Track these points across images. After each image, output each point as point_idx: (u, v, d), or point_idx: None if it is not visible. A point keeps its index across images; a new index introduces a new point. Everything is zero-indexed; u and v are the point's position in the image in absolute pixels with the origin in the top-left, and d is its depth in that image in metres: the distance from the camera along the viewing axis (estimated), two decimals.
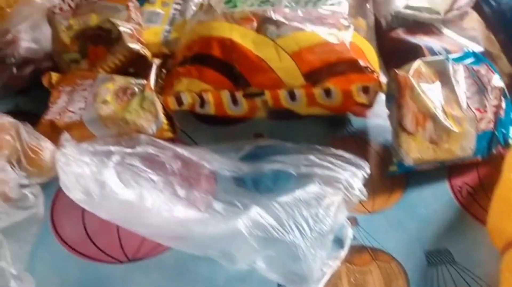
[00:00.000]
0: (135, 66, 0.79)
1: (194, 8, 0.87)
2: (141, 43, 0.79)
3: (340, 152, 0.61)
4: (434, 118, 0.62)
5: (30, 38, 0.78)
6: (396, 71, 0.65)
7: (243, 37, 0.71)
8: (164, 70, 0.76)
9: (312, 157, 0.61)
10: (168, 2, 0.89)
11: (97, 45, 0.77)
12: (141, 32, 0.80)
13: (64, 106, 0.71)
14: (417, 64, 0.66)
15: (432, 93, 0.64)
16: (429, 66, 0.66)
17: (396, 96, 0.64)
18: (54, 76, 0.76)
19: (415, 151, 0.62)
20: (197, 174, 0.66)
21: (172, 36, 0.82)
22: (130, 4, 0.80)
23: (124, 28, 0.77)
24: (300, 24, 0.70)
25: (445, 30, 0.80)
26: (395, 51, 0.78)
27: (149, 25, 0.84)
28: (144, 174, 0.63)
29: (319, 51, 0.67)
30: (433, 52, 0.74)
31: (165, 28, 0.84)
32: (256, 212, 0.51)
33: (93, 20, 0.78)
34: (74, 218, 0.63)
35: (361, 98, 0.67)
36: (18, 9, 0.79)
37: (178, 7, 0.88)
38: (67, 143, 0.63)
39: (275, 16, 0.72)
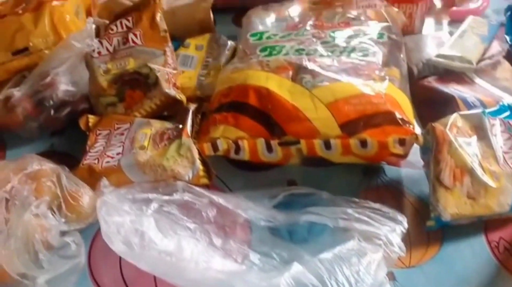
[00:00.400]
0: (170, 109, 0.80)
1: (227, 52, 0.89)
2: (177, 87, 0.80)
3: (378, 206, 0.62)
4: (471, 173, 0.63)
5: (68, 81, 0.80)
6: (433, 125, 0.65)
7: (279, 86, 0.72)
8: (198, 115, 0.77)
9: (349, 210, 0.61)
10: (202, 45, 0.91)
11: (134, 90, 0.78)
12: (176, 76, 0.81)
13: (102, 151, 0.72)
14: (454, 117, 0.66)
15: (469, 148, 0.64)
16: (465, 120, 0.67)
17: (433, 149, 0.64)
18: (91, 118, 0.78)
19: (453, 206, 0.62)
20: (233, 223, 0.66)
21: (207, 81, 0.84)
22: (167, 49, 0.82)
23: (161, 73, 0.78)
24: (335, 75, 0.71)
25: (478, 80, 0.81)
26: (428, 100, 0.79)
27: (183, 69, 0.86)
28: (181, 222, 0.63)
29: (355, 103, 0.68)
30: (466, 103, 0.74)
31: (199, 73, 0.85)
32: (298, 270, 0.51)
33: (131, 64, 0.80)
34: (111, 265, 0.64)
35: (397, 150, 0.67)
36: (56, 52, 0.80)
37: (212, 51, 0.89)
38: (106, 189, 0.64)
39: (310, 66, 0.73)
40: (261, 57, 0.77)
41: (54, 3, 0.85)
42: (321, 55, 0.75)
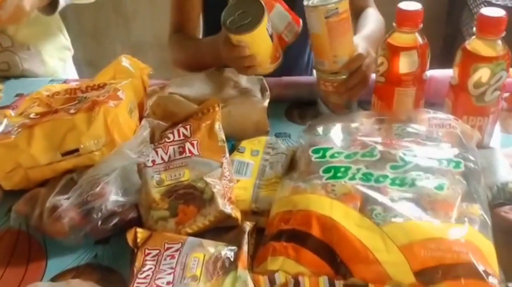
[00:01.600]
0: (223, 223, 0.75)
1: (284, 159, 0.84)
2: (232, 201, 0.75)
3: None
4: None
5: (118, 190, 0.76)
6: None
7: (345, 217, 0.66)
8: (254, 234, 0.72)
9: None
10: (258, 150, 0.86)
11: (188, 205, 0.74)
12: (232, 189, 0.77)
13: (151, 277, 0.67)
14: None
15: None
16: None
17: None
18: (140, 233, 0.73)
19: None
20: None
21: (263, 192, 0.79)
22: (224, 160, 0.77)
23: (217, 187, 0.74)
24: (408, 210, 0.65)
25: None
26: (506, 232, 0.72)
27: (238, 177, 0.81)
28: None
29: (432, 248, 0.61)
30: None
31: (255, 183, 0.80)
32: None
33: (186, 176, 0.76)
34: None
35: None
36: (109, 159, 0.77)
37: (268, 157, 0.85)
38: None
39: (381, 198, 0.67)
40: (324, 179, 0.71)
41: (110, 104, 0.82)
42: (392, 183, 0.69)
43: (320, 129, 0.84)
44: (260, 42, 0.90)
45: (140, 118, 0.93)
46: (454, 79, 0.86)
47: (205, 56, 1.06)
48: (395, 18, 0.85)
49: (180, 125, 0.80)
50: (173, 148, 0.77)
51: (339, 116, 0.92)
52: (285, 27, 0.96)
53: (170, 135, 0.79)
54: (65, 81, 1.19)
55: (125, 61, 0.96)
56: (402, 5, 0.84)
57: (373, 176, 0.71)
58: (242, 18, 0.87)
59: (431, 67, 0.91)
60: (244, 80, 0.99)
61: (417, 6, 0.84)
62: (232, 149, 0.89)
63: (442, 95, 1.01)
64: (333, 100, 0.95)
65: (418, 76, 0.87)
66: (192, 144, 0.77)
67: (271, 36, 0.90)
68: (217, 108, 0.82)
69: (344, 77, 0.91)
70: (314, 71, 0.99)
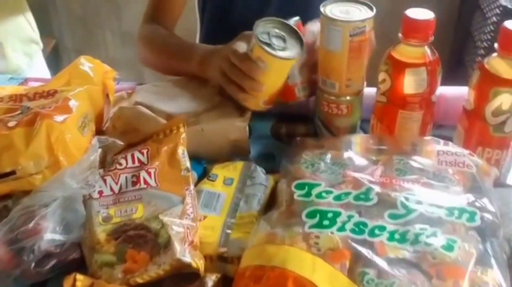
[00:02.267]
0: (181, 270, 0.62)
1: (263, 192, 0.70)
2: (194, 246, 0.62)
3: None
4: None
5: (57, 226, 0.62)
6: None
7: (330, 282, 0.53)
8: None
9: None
10: (233, 178, 0.73)
11: (139, 250, 0.60)
12: (196, 230, 0.63)
13: None
14: None
15: None
16: None
17: None
18: (80, 281, 0.59)
19: None
20: None
21: (234, 234, 0.65)
22: (187, 193, 0.64)
23: (176, 230, 0.60)
24: (410, 277, 0.52)
25: None
26: None
27: (206, 213, 0.67)
28: None
29: None
30: None
31: (225, 221, 0.67)
32: None
33: (139, 212, 0.62)
34: None
35: None
36: (47, 187, 0.63)
37: (243, 188, 0.71)
38: None
39: (375, 258, 0.53)
40: (307, 227, 0.58)
41: (55, 119, 0.68)
42: (390, 238, 0.56)
43: (307, 157, 0.71)
44: (277, 75, 0.77)
45: (99, 132, 0.80)
46: (469, 103, 0.73)
47: (180, 59, 0.92)
48: (400, 27, 0.71)
49: (136, 148, 0.66)
50: (126, 177, 0.64)
51: (331, 139, 0.79)
52: (301, 82, 0.83)
53: (123, 161, 0.65)
54: (25, 80, 1.05)
55: (85, 63, 0.82)
56: (410, 13, 0.70)
57: (367, 227, 0.57)
58: (276, 40, 0.75)
59: None
60: None
61: (428, 14, 0.70)
62: (203, 174, 0.76)
63: (452, 117, 0.87)
64: (337, 123, 0.81)
65: (426, 98, 0.73)
66: (149, 173, 0.63)
67: (287, 78, 0.79)
68: (181, 129, 0.68)
69: (350, 98, 0.78)
70: None
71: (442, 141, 0.70)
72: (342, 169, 0.67)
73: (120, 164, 0.65)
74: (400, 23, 0.71)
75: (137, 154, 0.65)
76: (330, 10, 0.74)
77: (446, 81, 0.74)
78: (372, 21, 0.73)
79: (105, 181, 0.64)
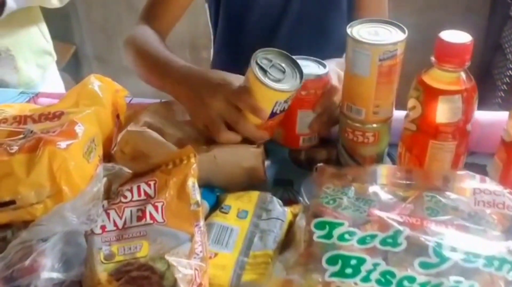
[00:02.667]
0: None
1: (280, 227, 0.65)
2: None
3: None
4: None
5: (56, 263, 0.57)
6: None
7: None
8: None
9: None
10: (247, 211, 0.67)
11: None
12: (205, 270, 0.58)
13: None
14: None
15: None
16: None
17: None
18: None
19: None
20: None
21: (246, 276, 0.60)
22: (196, 230, 0.58)
23: (183, 272, 0.55)
24: None
25: None
26: None
27: (217, 250, 0.62)
28: None
29: None
30: None
31: (238, 260, 0.61)
32: None
33: (144, 250, 0.57)
34: None
35: None
36: (46, 220, 0.59)
37: (259, 222, 0.66)
38: None
39: None
40: (327, 276, 0.52)
41: (58, 145, 0.63)
42: None
43: (328, 190, 0.65)
44: (262, 102, 0.71)
45: (107, 156, 0.75)
46: (508, 134, 0.66)
47: (155, 73, 0.86)
48: (433, 51, 0.65)
49: (142, 179, 0.61)
50: (131, 211, 0.59)
51: (355, 169, 0.73)
52: (310, 133, 0.80)
53: (128, 193, 0.60)
54: (36, 95, 1.02)
55: (95, 82, 0.78)
56: (446, 36, 0.64)
57: (395, 277, 0.51)
58: (275, 70, 0.71)
59: None
60: None
61: (465, 37, 0.64)
62: (215, 204, 0.71)
63: (486, 144, 0.81)
64: (362, 152, 0.75)
65: (460, 127, 0.67)
66: (156, 207, 0.58)
67: (272, 113, 0.72)
68: (192, 159, 0.63)
69: (377, 126, 0.72)
70: None
71: (478, 177, 0.63)
72: (367, 205, 0.61)
73: (125, 197, 0.60)
74: (426, 41, 0.65)
75: (143, 186, 0.60)
76: (357, 31, 0.68)
77: None
78: (404, 44, 0.67)
79: (108, 215, 0.59)
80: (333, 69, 0.78)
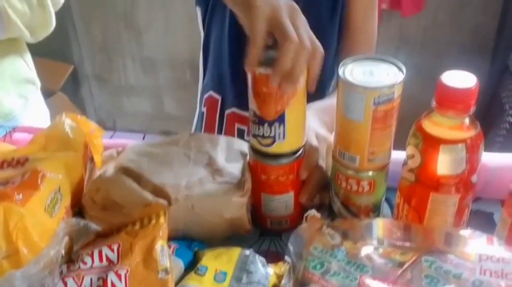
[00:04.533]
0: None
1: (263, 283, 0.58)
2: None
3: None
4: None
5: None
6: None
7: None
8: None
9: None
10: (225, 273, 0.60)
11: None
12: None
13: None
14: None
15: None
16: None
17: None
18: None
19: None
20: None
21: None
22: None
23: None
24: None
25: None
26: None
27: None
28: None
29: None
30: None
31: None
32: None
33: None
34: None
35: None
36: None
37: (238, 286, 0.59)
38: None
39: None
40: None
41: (16, 199, 0.57)
42: None
43: (315, 251, 0.58)
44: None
45: (77, 205, 0.69)
46: None
47: None
48: (434, 95, 0.58)
49: (105, 242, 0.54)
50: (91, 279, 0.52)
51: (348, 221, 0.66)
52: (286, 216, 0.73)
53: (88, 259, 0.53)
54: (14, 129, 0.95)
55: (66, 122, 0.71)
56: (447, 79, 0.57)
57: None
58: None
59: None
60: (221, 155, 0.73)
61: (469, 80, 0.57)
62: (192, 262, 0.64)
63: (494, 189, 0.74)
64: (357, 202, 0.68)
65: (464, 179, 0.60)
66: (119, 276, 0.51)
67: None
68: (162, 219, 0.56)
69: (372, 174, 0.65)
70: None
71: (485, 237, 0.56)
72: (358, 271, 0.54)
73: (85, 263, 0.53)
74: (428, 79, 0.58)
75: (105, 250, 0.53)
76: (350, 71, 0.61)
77: (480, 119, 0.60)
78: (402, 86, 0.60)
79: (65, 284, 0.52)
80: (308, 127, 0.70)
